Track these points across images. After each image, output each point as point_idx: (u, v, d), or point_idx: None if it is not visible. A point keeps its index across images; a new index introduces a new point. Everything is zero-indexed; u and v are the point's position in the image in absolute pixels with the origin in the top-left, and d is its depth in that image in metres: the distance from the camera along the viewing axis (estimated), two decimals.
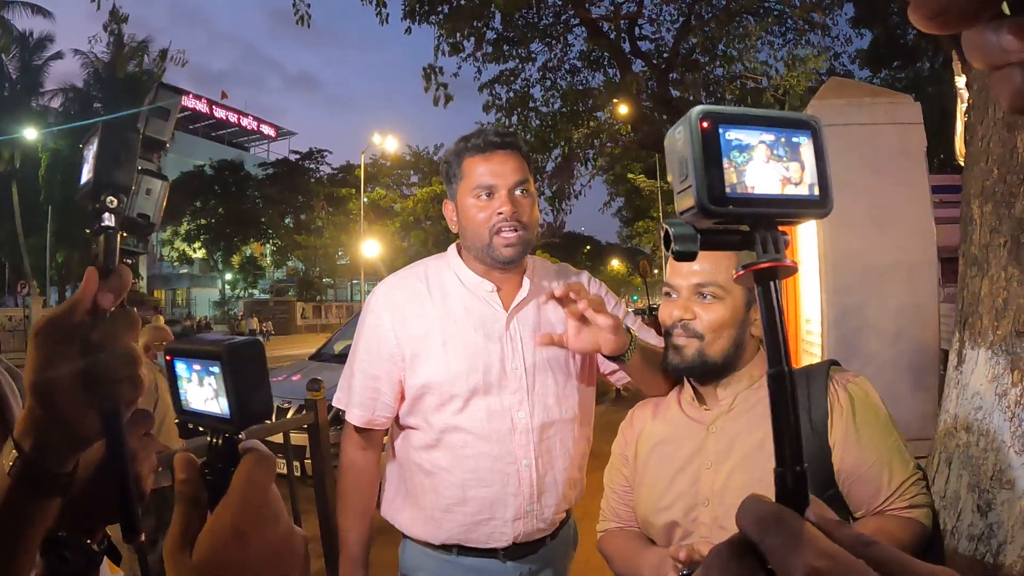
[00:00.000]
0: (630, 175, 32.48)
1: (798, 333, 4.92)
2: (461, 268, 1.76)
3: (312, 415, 3.28)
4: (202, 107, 54.25)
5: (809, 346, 4.55)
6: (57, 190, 30.34)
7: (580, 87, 13.41)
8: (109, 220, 0.69)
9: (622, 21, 12.76)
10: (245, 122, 60.79)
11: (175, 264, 45.82)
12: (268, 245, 43.51)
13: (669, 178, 0.42)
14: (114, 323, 0.66)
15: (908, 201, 3.52)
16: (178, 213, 38.04)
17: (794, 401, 0.39)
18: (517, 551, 1.72)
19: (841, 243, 3.44)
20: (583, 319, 1.46)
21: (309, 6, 10.32)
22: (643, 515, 1.51)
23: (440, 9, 11.14)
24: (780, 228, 0.42)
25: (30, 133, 28.75)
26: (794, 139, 0.42)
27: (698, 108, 0.40)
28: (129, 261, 0.71)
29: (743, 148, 0.41)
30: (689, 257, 0.42)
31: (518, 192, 1.68)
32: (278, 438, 3.25)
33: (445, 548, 1.72)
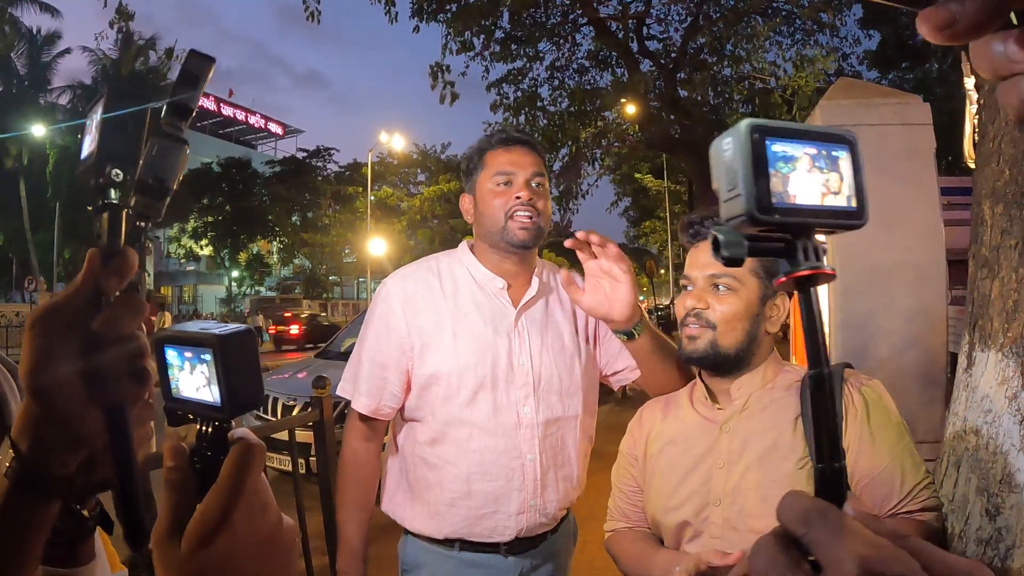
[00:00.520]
0: (637, 175, 32.51)
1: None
2: (473, 264, 1.80)
3: (317, 412, 3.29)
4: (210, 104, 54.31)
5: None
6: (64, 186, 30.47)
7: (588, 86, 13.41)
8: (114, 196, 0.60)
9: (630, 20, 12.76)
10: (252, 120, 60.93)
11: (182, 261, 45.99)
12: (275, 243, 43.54)
13: (714, 185, 0.44)
14: (118, 310, 0.59)
15: (916, 202, 3.51)
16: (185, 210, 38.10)
17: (832, 400, 0.41)
18: (519, 545, 1.73)
19: (848, 244, 3.42)
20: (600, 276, 1.54)
21: (319, 2, 10.34)
22: (653, 514, 1.51)
23: (448, 7, 11.16)
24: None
25: (38, 130, 28.92)
26: (834, 153, 0.45)
27: (747, 121, 0.42)
28: (143, 240, 0.63)
29: (788, 159, 0.43)
30: (738, 263, 0.44)
31: (534, 183, 1.75)
32: (283, 435, 3.26)
33: (447, 542, 1.73)
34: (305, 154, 44.46)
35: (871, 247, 3.38)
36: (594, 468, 1.85)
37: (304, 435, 4.02)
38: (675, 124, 13.55)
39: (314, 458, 3.61)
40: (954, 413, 1.79)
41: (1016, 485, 1.52)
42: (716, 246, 0.43)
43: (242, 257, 41.79)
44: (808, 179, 0.43)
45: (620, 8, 12.72)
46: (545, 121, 13.06)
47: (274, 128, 63.77)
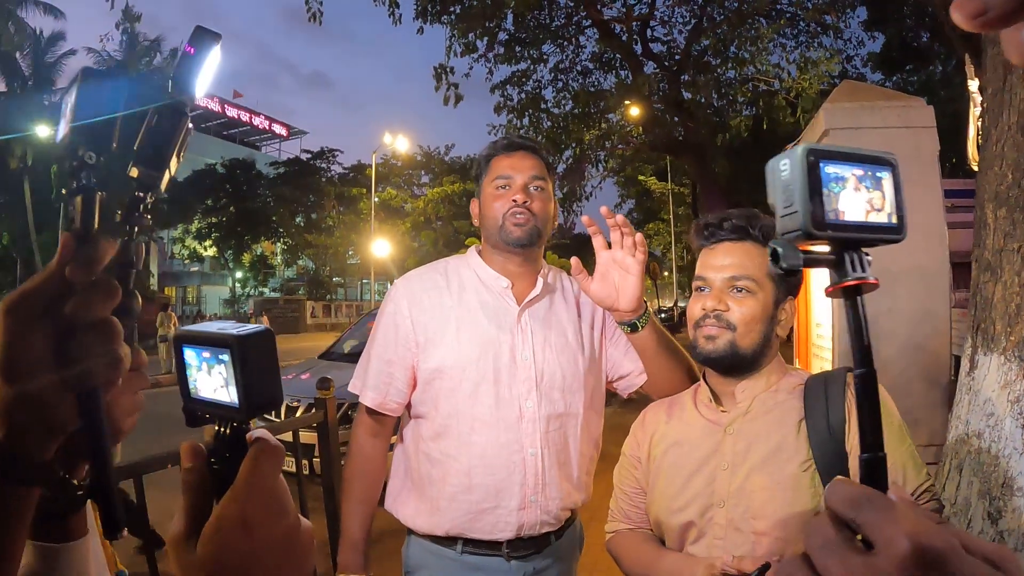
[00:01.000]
0: (641, 177, 32.54)
1: (808, 338, 4.90)
2: (479, 265, 1.86)
3: (321, 413, 3.29)
4: (214, 106, 54.39)
5: (820, 351, 4.54)
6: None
7: (592, 89, 13.43)
8: (86, 178, 0.57)
9: (634, 23, 12.78)
10: (257, 121, 60.98)
11: (186, 262, 45.95)
12: (279, 244, 43.50)
13: (770, 201, 0.48)
14: (89, 293, 0.57)
15: (920, 205, 3.51)
16: (189, 211, 38.11)
17: (876, 397, 0.47)
18: (521, 546, 1.73)
19: None
20: (612, 264, 1.63)
21: (321, 4, 10.37)
22: (656, 516, 1.51)
23: (452, 9, 11.18)
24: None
25: (42, 130, 28.93)
26: (878, 174, 0.49)
27: (804, 145, 0.47)
28: (141, 211, 0.61)
29: (838, 180, 0.47)
30: (795, 272, 0.49)
31: (532, 187, 1.81)
32: (287, 436, 3.26)
33: (449, 540, 1.74)
34: (309, 155, 44.33)
35: (875, 250, 3.38)
36: (597, 469, 1.85)
37: (308, 436, 4.02)
38: (679, 126, 13.56)
39: (318, 459, 3.62)
40: (957, 416, 1.80)
41: (1018, 489, 1.53)
42: (776, 258, 0.47)
43: (246, 258, 41.76)
44: (855, 197, 0.48)
45: (624, 10, 12.74)
46: (549, 123, 13.07)
47: (278, 129, 63.79)
